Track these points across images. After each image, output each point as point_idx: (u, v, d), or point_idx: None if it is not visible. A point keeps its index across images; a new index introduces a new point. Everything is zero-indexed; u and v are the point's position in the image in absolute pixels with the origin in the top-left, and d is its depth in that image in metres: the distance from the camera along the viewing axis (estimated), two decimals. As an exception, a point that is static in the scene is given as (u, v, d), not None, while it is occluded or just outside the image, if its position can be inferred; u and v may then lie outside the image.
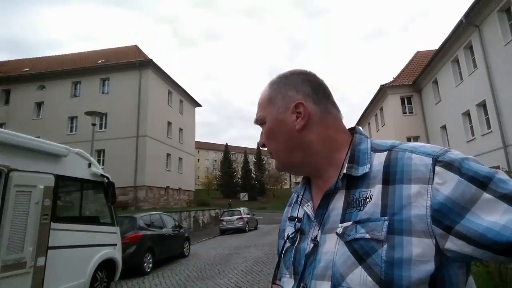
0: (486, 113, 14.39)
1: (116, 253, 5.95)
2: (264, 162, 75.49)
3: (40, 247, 4.10)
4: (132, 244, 7.76)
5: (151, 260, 8.38)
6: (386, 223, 0.58)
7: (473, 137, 15.54)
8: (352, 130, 0.77)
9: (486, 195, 0.54)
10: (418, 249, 0.55)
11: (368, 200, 0.63)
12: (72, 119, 24.19)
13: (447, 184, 0.56)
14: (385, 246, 0.57)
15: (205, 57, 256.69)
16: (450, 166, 0.57)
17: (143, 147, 23.19)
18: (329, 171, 0.72)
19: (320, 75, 0.79)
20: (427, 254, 0.55)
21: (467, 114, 15.94)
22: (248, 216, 20.86)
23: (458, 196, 0.55)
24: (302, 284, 0.67)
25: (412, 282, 0.55)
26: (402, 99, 21.89)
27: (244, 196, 34.83)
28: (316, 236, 0.69)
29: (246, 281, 6.79)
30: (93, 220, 5.63)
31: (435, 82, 19.15)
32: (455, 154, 0.59)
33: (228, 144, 78.78)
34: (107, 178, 5.69)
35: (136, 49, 27.38)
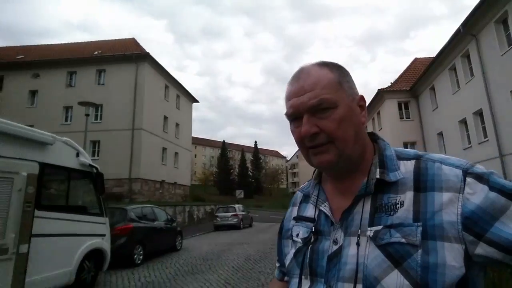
0: (482, 122, 14.41)
1: (105, 244, 5.85)
2: (261, 160, 75.46)
3: (23, 234, 3.98)
4: (122, 236, 7.70)
5: (141, 252, 8.31)
6: (420, 228, 0.60)
7: (470, 145, 15.58)
8: (370, 135, 0.78)
9: None
10: (450, 254, 0.58)
11: (398, 205, 0.64)
12: (67, 109, 23.90)
13: (477, 194, 0.60)
14: (420, 251, 0.59)
15: (204, 54, 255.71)
16: (480, 178, 0.61)
17: (139, 140, 23.01)
18: (355, 174, 0.72)
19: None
20: (458, 259, 0.58)
21: (464, 122, 15.98)
22: (243, 213, 20.83)
23: (488, 205, 0.58)
24: (326, 286, 0.67)
25: (445, 286, 0.57)
26: (400, 104, 21.89)
27: (240, 193, 34.69)
28: (338, 237, 0.69)
29: (236, 278, 6.72)
30: (81, 209, 5.51)
31: (432, 88, 19.19)
32: (481, 168, 0.63)
33: (226, 141, 78.72)
34: (96, 168, 5.57)
35: (133, 42, 27.09)
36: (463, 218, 0.59)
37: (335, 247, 0.68)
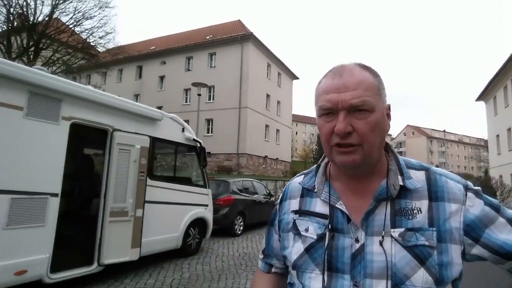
0: None
1: (208, 213, 6.19)
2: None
3: (138, 200, 4.44)
4: (225, 206, 8.08)
5: (242, 223, 8.65)
6: (435, 233, 0.69)
7: None
8: None
9: (500, 218, 0.72)
10: (455, 254, 0.69)
11: (416, 211, 0.72)
12: (186, 91, 26.90)
13: (476, 207, 0.72)
14: (435, 252, 0.68)
15: (307, 30, 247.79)
16: (477, 193, 0.74)
17: (245, 117, 24.23)
18: (371, 176, 0.76)
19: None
20: (459, 257, 0.70)
21: None
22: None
23: (483, 216, 0.71)
24: (352, 282, 0.70)
25: (451, 279, 0.69)
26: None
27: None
28: (359, 236, 0.72)
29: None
30: (186, 180, 5.91)
31: None
32: (472, 184, 0.76)
33: (327, 118, 75.77)
34: (199, 142, 5.82)
35: (239, 24, 28.01)
36: (465, 225, 0.70)
37: (357, 245, 0.71)
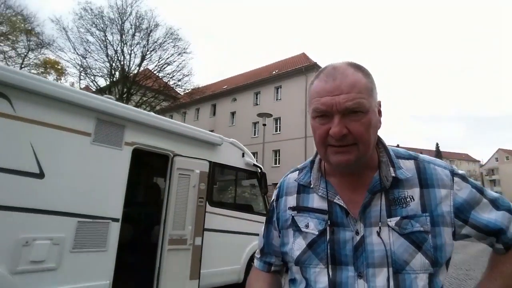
0: None
1: (272, 245, 5.62)
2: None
3: (198, 228, 4.18)
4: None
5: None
6: (428, 218, 0.73)
7: None
8: None
9: (484, 200, 0.77)
10: (448, 235, 0.74)
11: (409, 199, 0.75)
12: (254, 124, 27.62)
13: (463, 191, 0.77)
14: (430, 236, 0.72)
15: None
16: (463, 178, 0.79)
17: (311, 146, 23.49)
18: (364, 170, 0.78)
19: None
20: (450, 238, 0.74)
21: None
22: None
23: (470, 199, 0.76)
24: (356, 272, 0.72)
25: (445, 259, 0.74)
26: None
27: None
28: (359, 228, 0.74)
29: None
30: (247, 208, 5.52)
31: None
32: (458, 169, 0.80)
33: (399, 146, 69.28)
34: (260, 168, 5.47)
35: (303, 56, 28.29)
36: (455, 208, 0.75)
37: (358, 237, 0.74)
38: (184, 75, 21.90)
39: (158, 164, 4.50)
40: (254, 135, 27.46)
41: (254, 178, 5.56)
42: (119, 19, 19.64)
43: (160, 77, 21.55)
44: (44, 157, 3.02)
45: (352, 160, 0.71)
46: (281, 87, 26.66)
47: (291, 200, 0.85)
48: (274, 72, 27.79)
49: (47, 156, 3.05)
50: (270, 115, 13.01)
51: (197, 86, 23.46)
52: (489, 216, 0.75)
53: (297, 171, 0.90)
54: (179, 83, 21.74)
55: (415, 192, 0.75)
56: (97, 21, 19.15)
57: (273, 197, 0.93)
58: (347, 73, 0.70)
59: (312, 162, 0.87)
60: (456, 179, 0.77)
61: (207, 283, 4.31)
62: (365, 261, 0.71)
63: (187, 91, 23.18)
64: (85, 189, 3.30)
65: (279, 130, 25.68)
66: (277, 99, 26.84)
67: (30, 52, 18.67)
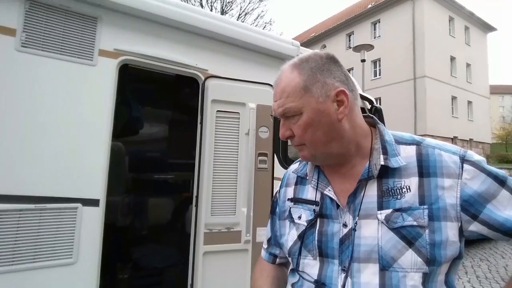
0: None
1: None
2: None
3: (260, 211, 2.10)
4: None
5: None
6: (426, 211, 0.62)
7: None
8: (368, 119, 0.73)
9: (504, 192, 0.62)
10: (451, 231, 0.62)
11: (404, 190, 0.64)
12: (349, 71, 23.19)
13: (475, 180, 0.62)
14: (427, 231, 0.61)
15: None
16: (476, 165, 0.63)
17: (422, 90, 18.26)
18: (355, 159, 0.70)
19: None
20: (455, 235, 0.62)
21: None
22: None
23: (483, 190, 0.62)
24: (341, 267, 0.65)
25: (448, 258, 0.62)
26: None
27: None
28: (347, 221, 0.67)
29: None
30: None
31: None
32: (474, 154, 0.65)
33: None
34: (371, 101, 2.87)
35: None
36: (462, 201, 0.62)
37: (345, 230, 0.67)
38: (266, 23, 19.25)
39: (176, 95, 2.44)
40: (348, 83, 23.29)
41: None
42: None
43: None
44: None
45: (310, 157, 0.70)
46: (379, 22, 21.02)
47: (290, 192, 0.82)
48: (370, 5, 22.01)
49: None
50: (371, 47, 9.47)
51: (281, 33, 20.51)
52: (509, 213, 0.61)
53: (298, 163, 0.85)
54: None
55: (413, 182, 0.65)
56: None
57: (277, 188, 0.87)
58: (282, 77, 0.68)
59: None
60: (466, 166, 0.63)
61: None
62: (350, 255, 0.64)
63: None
64: (13, 144, 1.52)
65: (379, 75, 20.82)
66: (374, 37, 21.42)
67: None
